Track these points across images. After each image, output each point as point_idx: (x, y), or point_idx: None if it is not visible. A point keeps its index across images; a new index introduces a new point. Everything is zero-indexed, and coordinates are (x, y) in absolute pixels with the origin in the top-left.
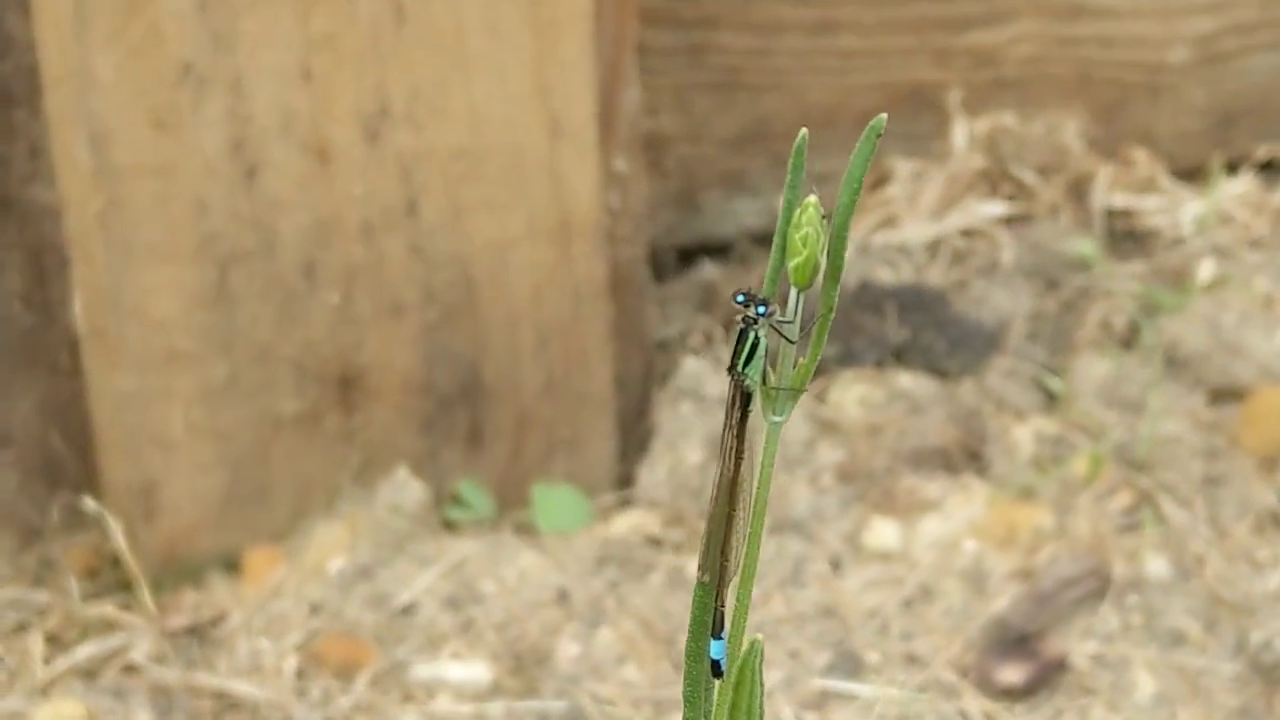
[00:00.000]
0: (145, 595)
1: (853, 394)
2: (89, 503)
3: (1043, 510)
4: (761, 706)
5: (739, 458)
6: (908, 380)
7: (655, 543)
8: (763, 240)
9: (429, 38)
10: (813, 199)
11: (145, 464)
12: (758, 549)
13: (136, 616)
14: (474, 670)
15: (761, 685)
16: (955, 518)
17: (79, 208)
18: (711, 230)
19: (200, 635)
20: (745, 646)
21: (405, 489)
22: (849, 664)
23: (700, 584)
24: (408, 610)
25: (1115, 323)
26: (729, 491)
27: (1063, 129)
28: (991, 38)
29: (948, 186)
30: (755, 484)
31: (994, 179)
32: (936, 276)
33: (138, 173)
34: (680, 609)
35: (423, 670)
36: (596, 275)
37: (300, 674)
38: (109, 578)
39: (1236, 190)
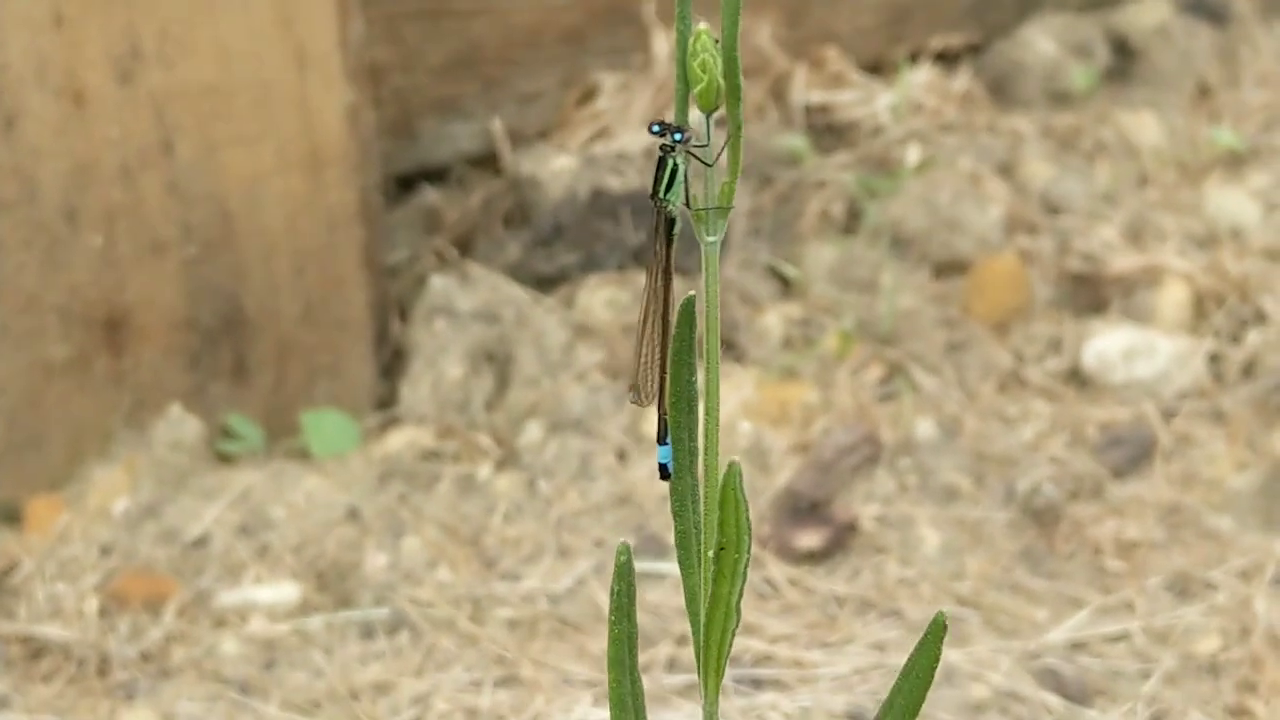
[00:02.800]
0: None
1: (600, 297)
2: None
3: (807, 387)
4: (748, 520)
5: (668, 279)
6: None
7: (433, 455)
8: (479, 163)
9: None
10: (703, 26)
11: None
12: (717, 366)
13: None
14: (282, 591)
15: (746, 503)
16: (728, 401)
17: None
18: (428, 156)
19: None
20: (724, 471)
21: (181, 425)
22: (653, 546)
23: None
24: (200, 542)
25: (833, 211)
26: (662, 314)
27: (755, 33)
28: None
29: (656, 94)
30: (676, 309)
31: None
32: None
33: None
34: (475, 513)
35: (229, 597)
36: (348, 202)
37: (103, 613)
38: None
39: (921, 79)
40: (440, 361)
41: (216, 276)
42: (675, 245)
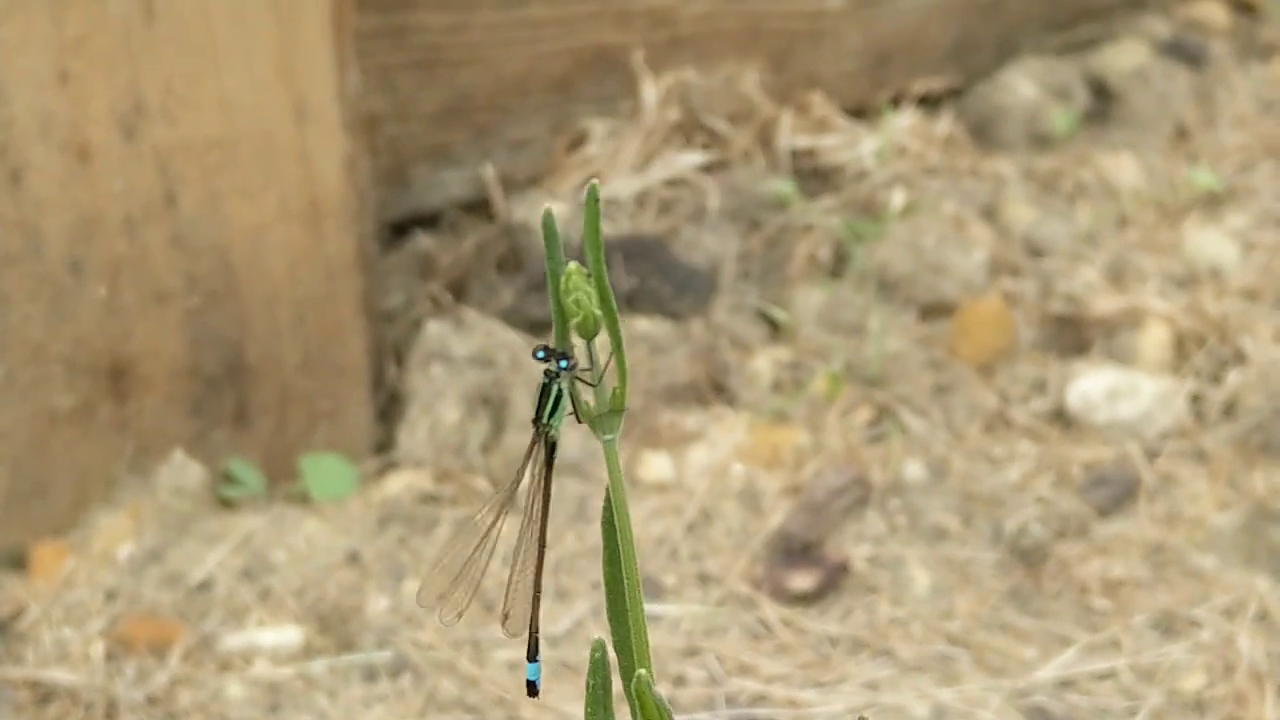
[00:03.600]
0: None
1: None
2: None
3: (797, 430)
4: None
5: (546, 501)
6: (644, 324)
7: (431, 499)
8: (470, 208)
9: (178, 32)
10: (572, 265)
11: None
12: (634, 559)
13: None
14: (285, 634)
15: (658, 702)
16: (720, 445)
17: None
18: (422, 203)
19: (2, 631)
20: (635, 681)
21: (184, 471)
22: (650, 588)
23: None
24: (204, 586)
25: (821, 254)
26: (539, 537)
27: (742, 79)
28: None
29: (645, 141)
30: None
31: (688, 130)
32: (648, 226)
33: None
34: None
35: (233, 640)
36: (346, 251)
37: (110, 657)
38: None
39: (904, 124)
40: (437, 406)
41: (219, 325)
42: (553, 468)
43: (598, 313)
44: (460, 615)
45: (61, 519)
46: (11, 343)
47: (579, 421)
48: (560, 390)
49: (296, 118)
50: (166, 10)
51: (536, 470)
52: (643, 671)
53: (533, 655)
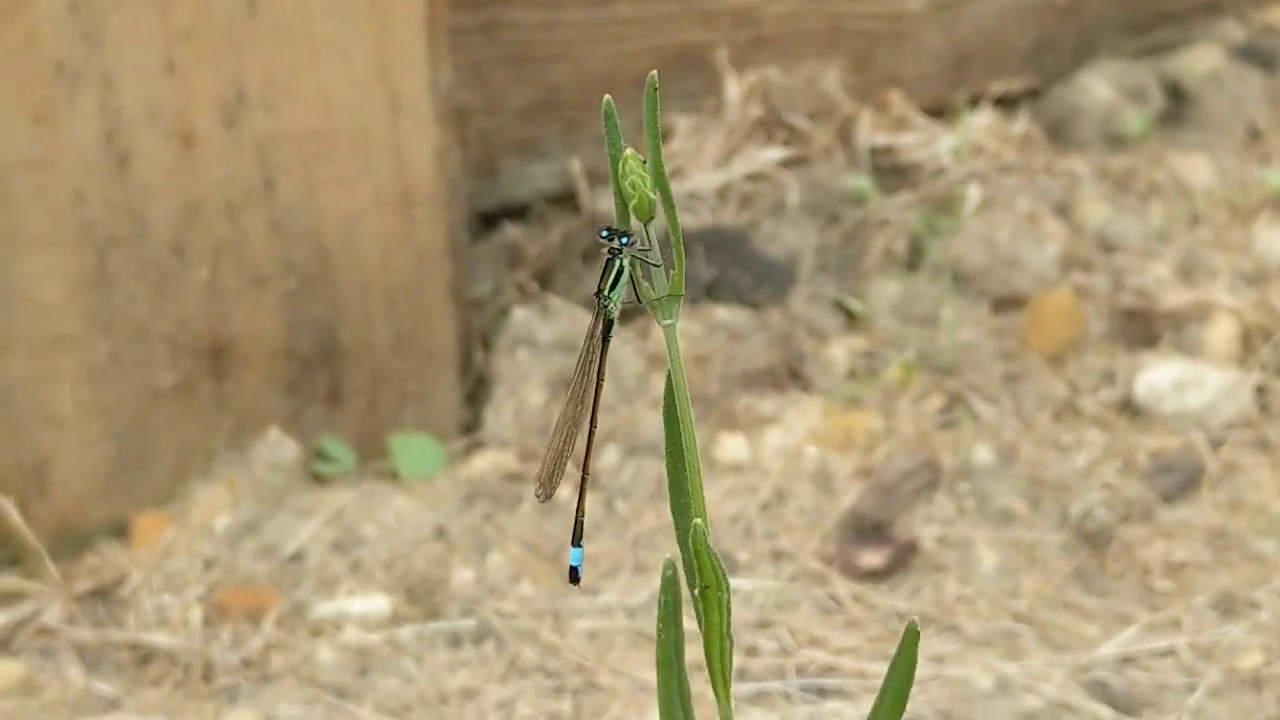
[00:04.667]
0: (48, 565)
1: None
2: None
3: (870, 415)
4: (721, 568)
5: (600, 380)
6: (723, 313)
7: (515, 477)
8: (557, 201)
9: (279, 26)
10: (629, 151)
11: (36, 443)
12: (694, 440)
13: (40, 585)
14: (374, 603)
15: (714, 555)
16: (795, 429)
17: None
18: (510, 194)
19: (105, 596)
20: (691, 531)
21: (279, 448)
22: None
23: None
24: (297, 557)
25: (897, 248)
26: (593, 408)
27: (823, 78)
28: None
29: (727, 136)
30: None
31: (769, 127)
32: (729, 219)
33: (20, 167)
34: (556, 531)
35: (324, 608)
36: (437, 240)
37: (207, 622)
38: None
39: (981, 123)
40: (522, 389)
41: (314, 308)
42: (609, 346)
43: (652, 195)
44: (548, 496)
45: (162, 491)
46: (117, 322)
47: (640, 303)
48: (622, 266)
49: (391, 110)
50: (268, 5)
51: (593, 345)
52: (699, 521)
53: (577, 540)
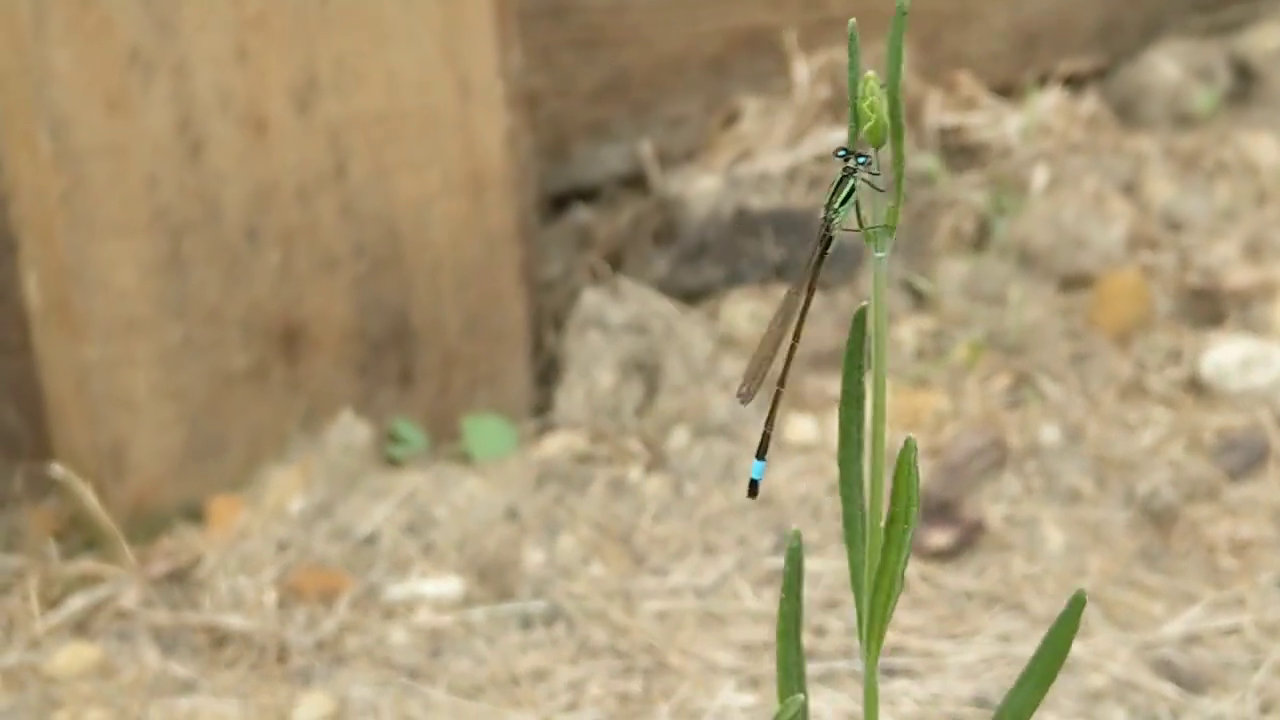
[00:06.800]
0: (124, 548)
1: (743, 310)
2: (56, 469)
3: (938, 395)
4: (919, 494)
5: (811, 293)
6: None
7: (587, 458)
8: (628, 183)
9: (349, 11)
10: (870, 73)
11: (112, 427)
12: (885, 365)
13: (117, 568)
14: (446, 584)
15: (918, 477)
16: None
17: (38, 191)
18: (581, 177)
19: (180, 579)
20: (903, 445)
21: (352, 430)
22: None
23: (842, 404)
24: (370, 539)
25: (964, 228)
26: (800, 321)
27: None
28: None
29: (797, 118)
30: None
31: (838, 108)
32: (798, 200)
33: (95, 154)
34: (626, 513)
35: (397, 590)
36: (507, 222)
37: (281, 604)
38: (74, 539)
39: (1049, 103)
40: (593, 371)
41: (385, 291)
42: (825, 262)
43: (888, 121)
44: (748, 399)
45: (236, 474)
46: (191, 306)
47: (859, 229)
48: (854, 185)
49: (461, 94)
50: None
51: (813, 259)
52: (912, 435)
53: (762, 453)
